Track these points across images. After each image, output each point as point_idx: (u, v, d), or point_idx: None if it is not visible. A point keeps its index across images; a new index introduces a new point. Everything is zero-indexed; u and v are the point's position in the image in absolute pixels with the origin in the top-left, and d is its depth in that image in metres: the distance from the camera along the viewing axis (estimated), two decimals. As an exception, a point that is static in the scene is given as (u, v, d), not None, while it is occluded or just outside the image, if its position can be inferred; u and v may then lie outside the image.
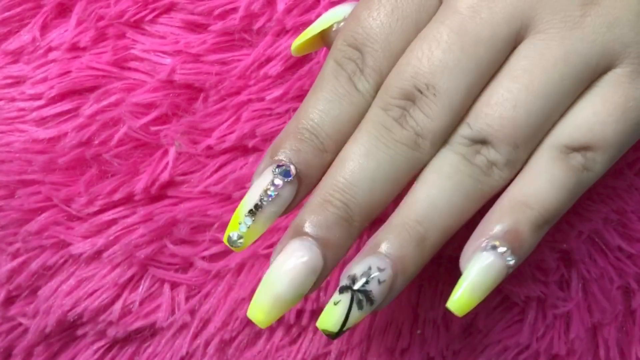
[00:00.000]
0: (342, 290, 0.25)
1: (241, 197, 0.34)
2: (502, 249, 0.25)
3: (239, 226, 0.26)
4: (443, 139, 0.26)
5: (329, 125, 0.27)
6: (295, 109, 0.34)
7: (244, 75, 0.34)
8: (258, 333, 0.35)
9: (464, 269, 0.26)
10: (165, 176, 0.34)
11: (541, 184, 0.26)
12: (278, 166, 0.26)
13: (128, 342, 0.35)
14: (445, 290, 0.35)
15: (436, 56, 0.25)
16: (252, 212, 0.26)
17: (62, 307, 0.34)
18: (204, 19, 0.34)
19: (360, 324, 0.35)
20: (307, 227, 0.26)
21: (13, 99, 0.35)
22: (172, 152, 0.34)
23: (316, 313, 0.35)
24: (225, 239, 0.26)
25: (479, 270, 0.25)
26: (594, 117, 0.26)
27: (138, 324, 0.34)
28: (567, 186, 0.26)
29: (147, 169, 0.34)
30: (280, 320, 0.35)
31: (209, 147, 0.34)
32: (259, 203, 0.26)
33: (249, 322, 0.35)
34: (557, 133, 0.26)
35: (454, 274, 0.34)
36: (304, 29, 0.34)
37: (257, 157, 0.34)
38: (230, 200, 0.34)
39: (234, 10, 0.34)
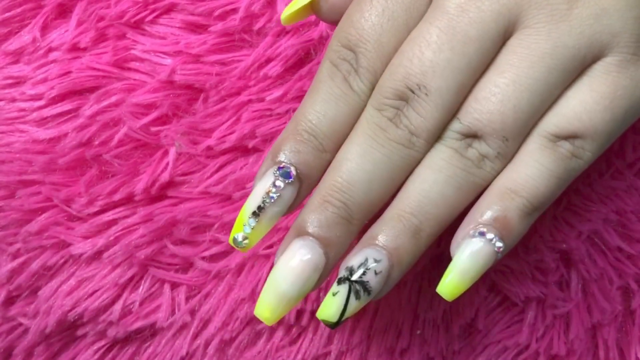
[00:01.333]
0: (340, 281, 0.26)
1: (241, 198, 0.34)
2: (490, 235, 0.26)
3: (244, 227, 0.27)
4: (436, 136, 0.27)
5: (327, 126, 0.27)
6: (295, 110, 0.34)
7: (244, 75, 0.34)
8: (258, 333, 0.35)
9: (453, 255, 0.27)
10: (165, 176, 0.34)
11: (530, 172, 0.27)
12: (279, 168, 0.27)
13: (128, 342, 0.35)
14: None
15: (427, 57, 0.26)
16: (255, 214, 0.27)
17: (62, 307, 0.34)
18: (204, 19, 0.34)
19: (361, 324, 0.35)
20: (309, 227, 0.27)
21: (13, 100, 0.35)
22: (172, 152, 0.34)
23: (316, 313, 0.35)
24: (230, 240, 0.27)
25: (468, 255, 0.26)
26: (581, 106, 0.26)
27: (138, 324, 0.34)
28: (555, 174, 0.27)
29: (148, 170, 0.34)
30: (280, 321, 0.35)
31: (209, 148, 0.34)
32: (262, 205, 0.26)
33: (249, 323, 0.35)
34: (545, 122, 0.27)
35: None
36: (303, 30, 0.34)
37: (257, 158, 0.34)
38: (230, 200, 0.34)
39: (234, 11, 0.34)
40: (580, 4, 0.26)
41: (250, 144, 0.34)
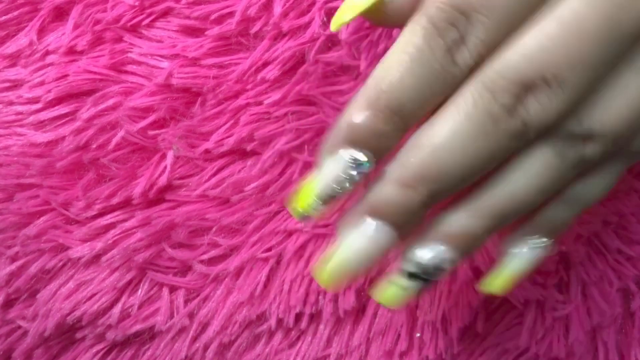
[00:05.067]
0: (411, 276, 0.25)
1: (240, 201, 0.34)
2: (545, 242, 0.26)
3: (309, 208, 0.24)
4: (548, 131, 0.23)
5: (416, 104, 0.23)
6: (293, 113, 0.34)
7: (242, 79, 0.34)
8: (257, 336, 0.35)
9: (505, 254, 0.26)
10: (163, 180, 0.34)
11: (602, 191, 0.26)
12: (354, 155, 0.24)
13: (127, 345, 0.35)
14: (443, 294, 0.35)
15: (576, 47, 0.22)
16: (321, 200, 0.24)
17: (61, 310, 0.34)
18: (201, 23, 0.34)
19: (360, 327, 0.35)
20: (385, 209, 0.24)
21: (11, 103, 0.35)
22: (170, 156, 0.34)
23: (315, 317, 0.35)
24: (294, 213, 0.25)
25: (521, 259, 0.26)
26: None
27: (137, 327, 0.34)
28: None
29: (145, 173, 0.34)
30: (279, 324, 0.35)
31: (207, 151, 0.34)
32: (332, 193, 0.24)
33: (247, 326, 0.35)
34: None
35: (453, 277, 0.34)
36: (300, 32, 0.34)
37: (255, 161, 0.34)
38: (228, 203, 0.34)
39: (231, 14, 0.34)
40: None
41: (248, 147, 0.34)
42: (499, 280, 0.26)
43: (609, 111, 0.23)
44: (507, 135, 0.23)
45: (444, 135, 0.23)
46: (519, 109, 0.22)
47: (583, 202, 0.25)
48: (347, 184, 0.24)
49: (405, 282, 0.25)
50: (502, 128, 0.23)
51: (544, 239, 0.26)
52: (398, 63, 0.23)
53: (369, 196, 0.24)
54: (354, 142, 0.24)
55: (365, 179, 0.24)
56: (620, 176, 0.26)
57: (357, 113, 0.23)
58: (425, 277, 0.25)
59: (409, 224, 0.24)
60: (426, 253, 0.25)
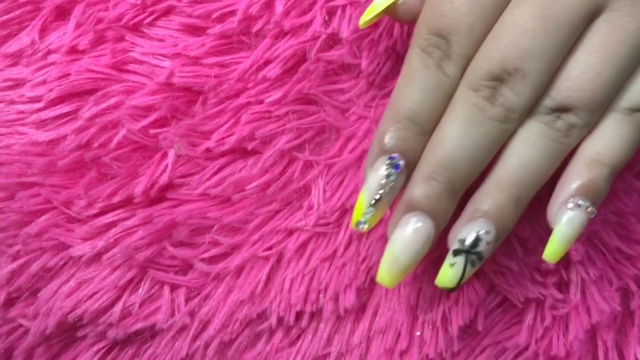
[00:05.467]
0: (456, 253, 0.29)
1: (241, 200, 0.34)
2: (584, 203, 0.29)
3: (364, 215, 0.30)
4: (529, 110, 0.29)
5: (427, 111, 0.30)
6: (294, 112, 0.34)
7: (243, 78, 0.34)
8: (258, 335, 0.35)
9: (553, 224, 0.30)
10: (164, 179, 0.34)
11: (612, 143, 0.29)
12: (390, 158, 0.30)
13: (128, 343, 0.35)
14: (444, 292, 0.35)
15: (523, 43, 0.28)
16: (373, 204, 0.30)
17: (62, 308, 0.34)
18: (203, 22, 0.34)
19: (360, 325, 0.35)
20: (418, 202, 0.29)
21: (12, 102, 0.35)
22: (171, 154, 0.34)
23: (315, 315, 0.35)
24: (353, 225, 0.30)
25: (566, 223, 0.29)
26: None
27: (138, 325, 0.34)
28: (632, 142, 0.30)
29: (147, 172, 0.34)
30: (280, 322, 0.35)
31: (208, 150, 0.34)
32: (378, 196, 0.30)
33: (248, 324, 0.35)
34: (623, 97, 0.29)
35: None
36: (301, 31, 0.34)
37: (256, 160, 0.34)
38: (229, 202, 0.34)
39: (232, 13, 0.34)
40: None
41: (250, 146, 0.34)
42: (552, 247, 0.29)
43: (571, 85, 0.29)
44: (495, 119, 0.29)
45: (449, 131, 0.29)
46: (497, 97, 0.29)
47: (608, 159, 0.29)
48: (389, 186, 0.29)
49: (452, 259, 0.29)
50: (490, 114, 0.29)
51: (586, 202, 0.29)
52: (406, 84, 0.30)
53: (404, 197, 0.30)
54: (387, 151, 0.30)
55: (404, 181, 0.30)
56: (635, 129, 0.30)
57: (384, 129, 0.30)
58: (467, 251, 0.29)
59: (442, 212, 0.29)
60: (464, 229, 0.29)
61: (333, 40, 0.34)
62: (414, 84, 0.30)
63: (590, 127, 0.30)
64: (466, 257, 0.29)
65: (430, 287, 0.35)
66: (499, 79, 0.28)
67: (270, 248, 0.34)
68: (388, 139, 0.30)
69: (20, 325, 0.35)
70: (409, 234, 0.29)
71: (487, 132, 0.29)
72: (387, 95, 0.35)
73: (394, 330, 0.35)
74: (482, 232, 0.29)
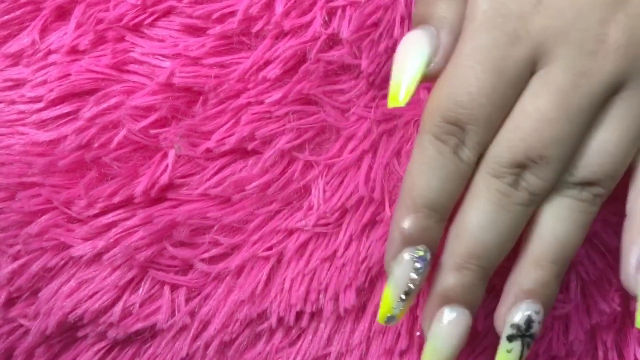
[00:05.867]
0: (511, 338, 0.30)
1: (241, 200, 0.34)
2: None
3: (393, 310, 0.30)
4: (551, 189, 0.30)
5: (445, 198, 0.30)
6: (294, 112, 0.34)
7: (243, 78, 0.34)
8: (258, 335, 0.35)
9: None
10: (164, 179, 0.34)
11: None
12: (414, 250, 0.29)
13: (128, 343, 0.35)
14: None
15: (547, 132, 0.28)
16: (402, 299, 0.29)
17: (62, 308, 0.34)
18: (203, 22, 0.34)
19: (360, 325, 0.35)
20: (453, 294, 0.29)
21: (13, 102, 0.35)
22: (171, 155, 0.34)
23: (315, 315, 0.35)
24: (381, 321, 0.30)
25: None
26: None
27: (138, 325, 0.34)
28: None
29: (147, 172, 0.34)
30: (280, 322, 0.35)
31: (209, 150, 0.34)
32: (408, 289, 0.29)
33: (249, 324, 0.35)
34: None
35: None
36: (302, 32, 0.34)
37: (256, 160, 0.34)
38: (229, 202, 0.34)
39: (232, 13, 0.34)
40: None
41: (250, 146, 0.34)
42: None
43: (593, 162, 0.29)
44: (520, 204, 0.29)
45: (475, 219, 0.29)
46: (521, 182, 0.29)
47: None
48: (416, 278, 0.29)
49: (508, 345, 0.30)
50: (515, 200, 0.29)
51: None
52: (421, 172, 0.29)
53: (436, 289, 0.30)
54: (409, 242, 0.29)
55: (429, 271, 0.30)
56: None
57: (404, 219, 0.29)
58: (522, 335, 0.29)
59: (476, 299, 0.30)
60: (514, 313, 0.29)
61: (333, 41, 0.34)
62: (430, 171, 0.29)
63: (611, 191, 0.30)
64: (522, 341, 0.29)
65: (430, 287, 0.35)
66: (522, 166, 0.29)
67: (270, 248, 0.35)
68: (410, 229, 0.29)
69: (21, 325, 0.35)
70: (448, 328, 0.29)
71: (514, 217, 0.29)
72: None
73: (394, 330, 0.35)
74: (533, 313, 0.29)
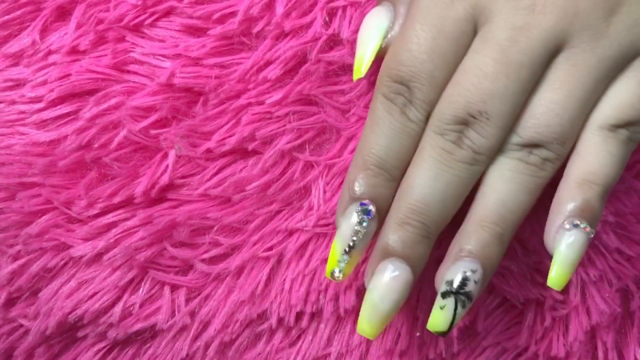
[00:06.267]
0: (445, 295, 0.29)
1: (241, 200, 0.34)
2: (581, 224, 0.29)
3: (338, 263, 0.29)
4: (497, 150, 0.30)
5: (394, 157, 0.30)
6: (295, 112, 0.34)
7: (244, 78, 0.34)
8: (258, 335, 0.35)
9: (552, 248, 0.29)
10: (165, 179, 0.34)
11: (602, 161, 0.29)
12: (361, 204, 0.29)
13: (128, 343, 0.35)
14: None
15: (485, 86, 0.28)
16: (347, 252, 0.29)
17: (62, 309, 0.34)
18: (203, 22, 0.34)
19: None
20: (394, 248, 0.29)
21: (13, 102, 0.35)
22: (171, 155, 0.34)
23: (315, 316, 0.35)
24: (327, 275, 0.30)
25: (567, 247, 0.29)
26: (633, 96, 0.29)
27: (138, 325, 0.35)
28: (620, 158, 0.29)
29: (147, 172, 0.34)
30: (280, 322, 0.35)
31: (209, 150, 0.34)
32: (352, 243, 0.29)
33: (248, 325, 0.35)
34: (602, 116, 0.29)
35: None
36: (302, 32, 0.34)
37: (256, 160, 0.34)
38: (229, 203, 0.34)
39: (233, 14, 0.34)
40: (616, 19, 0.29)
41: (250, 146, 0.34)
42: (555, 273, 0.29)
43: (538, 122, 0.29)
44: (463, 162, 0.29)
45: (419, 175, 0.29)
46: (464, 140, 0.29)
47: (599, 177, 0.29)
48: (361, 232, 0.29)
49: (441, 302, 0.29)
50: (458, 157, 0.29)
51: (583, 223, 0.29)
52: (371, 131, 0.30)
53: (379, 243, 0.30)
54: (357, 198, 0.30)
55: (377, 227, 0.30)
56: (621, 145, 0.29)
57: (354, 177, 0.30)
58: (456, 292, 0.29)
59: (418, 256, 0.29)
60: (450, 270, 0.29)
61: (334, 41, 0.34)
62: (380, 130, 0.30)
63: (564, 158, 0.30)
64: (455, 298, 0.29)
65: (430, 288, 0.35)
66: (464, 123, 0.29)
67: (270, 248, 0.35)
68: (358, 186, 0.30)
69: (21, 326, 0.35)
70: (387, 281, 0.29)
71: (457, 175, 0.29)
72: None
73: (394, 331, 0.35)
74: (468, 271, 0.29)
